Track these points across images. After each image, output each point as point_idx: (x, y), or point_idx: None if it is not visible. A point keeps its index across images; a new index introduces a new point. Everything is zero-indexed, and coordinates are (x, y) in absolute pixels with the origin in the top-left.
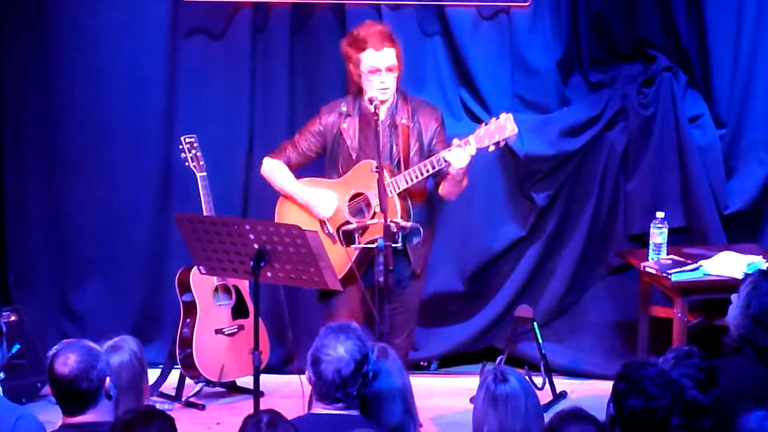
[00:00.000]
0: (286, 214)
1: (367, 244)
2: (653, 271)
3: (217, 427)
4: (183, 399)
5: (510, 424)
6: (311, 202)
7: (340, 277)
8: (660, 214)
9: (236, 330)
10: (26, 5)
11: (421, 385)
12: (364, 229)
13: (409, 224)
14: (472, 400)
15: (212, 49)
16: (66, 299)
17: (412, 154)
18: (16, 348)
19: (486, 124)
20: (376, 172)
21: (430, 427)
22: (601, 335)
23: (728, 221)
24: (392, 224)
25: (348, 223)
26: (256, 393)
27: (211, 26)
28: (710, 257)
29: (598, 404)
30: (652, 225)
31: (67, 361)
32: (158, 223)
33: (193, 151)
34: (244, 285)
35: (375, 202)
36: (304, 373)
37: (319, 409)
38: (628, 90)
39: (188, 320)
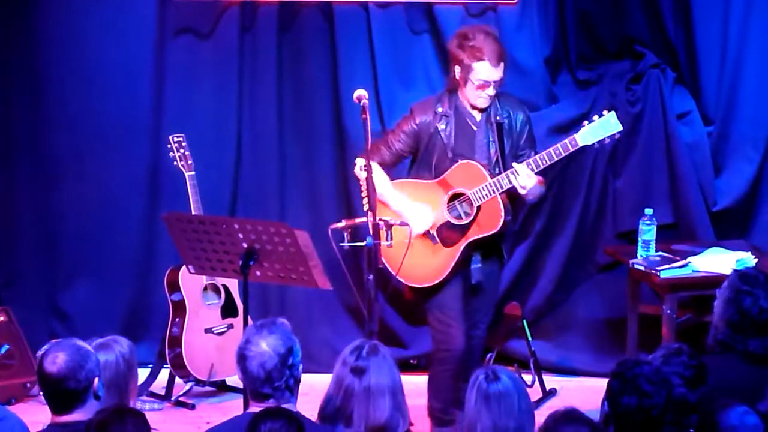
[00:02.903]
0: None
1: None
2: (642, 268)
3: (206, 427)
4: (173, 398)
5: (503, 423)
6: (405, 216)
7: (444, 276)
8: (648, 211)
9: (225, 329)
10: (14, 5)
11: (412, 383)
12: (465, 229)
13: (398, 222)
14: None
15: (200, 48)
16: (55, 299)
17: (507, 150)
18: (5, 348)
19: (590, 122)
20: (365, 170)
21: (421, 426)
22: (591, 333)
23: (716, 218)
24: (381, 222)
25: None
26: (246, 392)
27: (199, 25)
28: (699, 254)
29: (588, 402)
30: (640, 222)
31: (56, 360)
32: (147, 222)
33: (182, 150)
34: (233, 284)
35: (477, 201)
36: None
37: (254, 407)
38: (616, 87)
39: (177, 320)
